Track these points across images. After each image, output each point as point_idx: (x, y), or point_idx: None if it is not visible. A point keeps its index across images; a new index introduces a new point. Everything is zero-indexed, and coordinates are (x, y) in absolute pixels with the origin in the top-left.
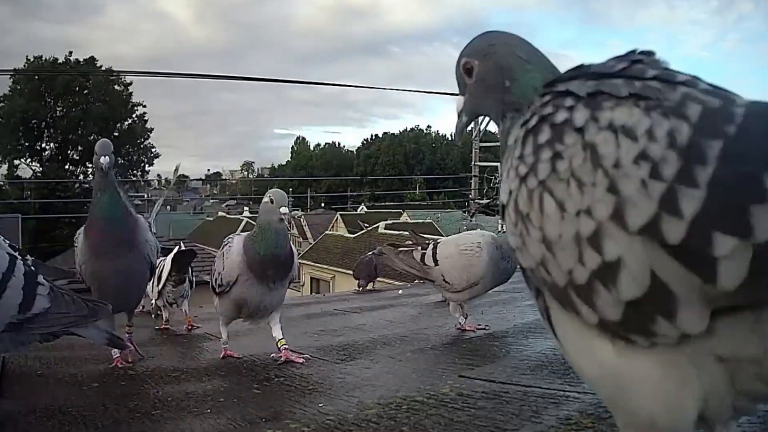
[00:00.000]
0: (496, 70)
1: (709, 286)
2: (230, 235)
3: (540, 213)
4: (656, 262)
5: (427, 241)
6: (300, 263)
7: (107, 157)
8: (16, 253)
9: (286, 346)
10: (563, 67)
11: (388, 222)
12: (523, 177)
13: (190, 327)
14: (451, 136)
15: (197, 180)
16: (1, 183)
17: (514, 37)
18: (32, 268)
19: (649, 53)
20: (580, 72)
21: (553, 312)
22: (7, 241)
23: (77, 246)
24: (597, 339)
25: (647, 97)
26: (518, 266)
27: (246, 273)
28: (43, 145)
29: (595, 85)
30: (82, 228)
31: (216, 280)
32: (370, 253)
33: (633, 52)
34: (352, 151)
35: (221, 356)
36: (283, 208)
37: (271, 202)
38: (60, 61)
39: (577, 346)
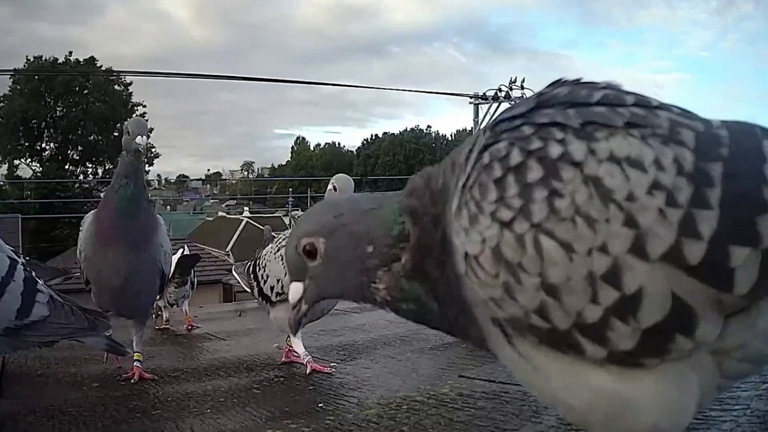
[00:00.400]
0: (352, 240)
1: (726, 295)
2: (286, 236)
3: (539, 258)
4: (676, 284)
5: None
6: None
7: (143, 137)
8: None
9: (290, 347)
10: (563, 66)
11: None
12: (507, 222)
13: (190, 327)
14: (451, 136)
15: (197, 180)
16: (1, 183)
17: (351, 198)
18: (32, 272)
19: (578, 80)
20: (546, 101)
21: (530, 354)
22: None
23: (82, 231)
24: (592, 370)
25: (639, 125)
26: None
27: None
28: (43, 145)
29: (584, 115)
30: (92, 212)
31: (273, 287)
32: None
33: (560, 80)
34: (352, 151)
35: (307, 371)
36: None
37: (335, 189)
38: (60, 61)
39: (566, 381)
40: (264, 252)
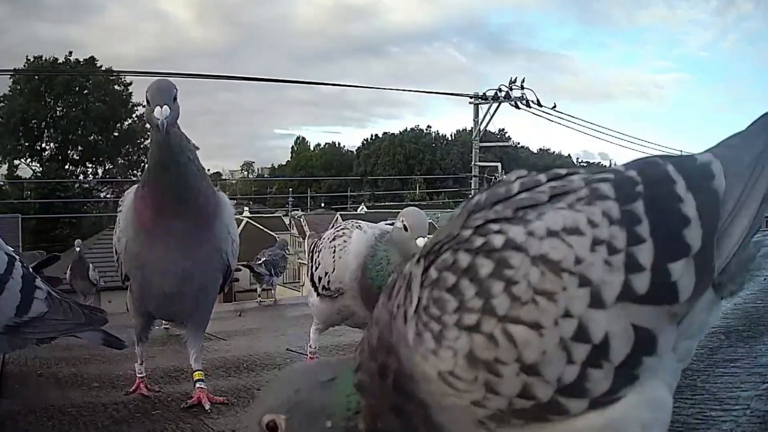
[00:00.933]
0: (311, 416)
1: (675, 306)
2: (347, 225)
3: (513, 346)
4: (634, 317)
5: None
6: (300, 263)
7: (166, 107)
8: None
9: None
10: (563, 66)
11: (388, 222)
12: (473, 326)
13: None
14: (451, 135)
15: None
16: (1, 183)
17: (308, 369)
18: (29, 269)
19: (491, 185)
20: (473, 210)
21: None
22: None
23: (121, 210)
24: (575, 422)
25: (561, 195)
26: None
27: (358, 295)
28: (43, 145)
29: (511, 205)
30: (134, 188)
31: (320, 279)
32: None
33: (475, 193)
34: (352, 151)
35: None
36: (421, 239)
37: (405, 229)
38: (60, 61)
39: None
40: (326, 234)
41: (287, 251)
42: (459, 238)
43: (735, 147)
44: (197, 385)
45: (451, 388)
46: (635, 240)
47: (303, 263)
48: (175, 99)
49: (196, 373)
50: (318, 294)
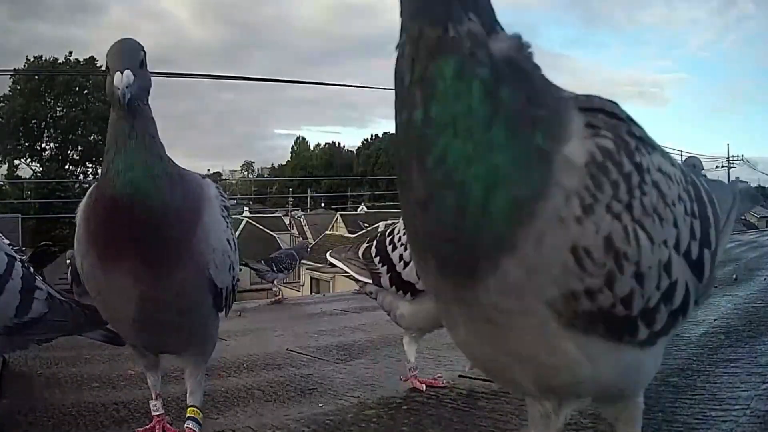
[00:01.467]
0: None
1: (700, 284)
2: None
3: (638, 247)
4: (687, 275)
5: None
6: (300, 263)
7: (128, 72)
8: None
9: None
10: (564, 66)
11: (388, 222)
12: (617, 214)
13: None
14: None
15: None
16: (1, 183)
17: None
18: (30, 269)
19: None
20: (618, 113)
21: (582, 342)
22: (7, 241)
23: (77, 225)
24: (626, 350)
25: (657, 147)
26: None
27: None
28: (43, 145)
29: (643, 133)
30: (84, 201)
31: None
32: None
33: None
34: (352, 151)
35: (405, 379)
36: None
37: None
38: (60, 61)
39: (608, 362)
40: (400, 226)
41: (304, 253)
42: (627, 143)
43: (718, 192)
44: (187, 424)
45: (578, 266)
46: (692, 214)
47: (302, 263)
48: (143, 64)
49: (191, 409)
50: (414, 293)
